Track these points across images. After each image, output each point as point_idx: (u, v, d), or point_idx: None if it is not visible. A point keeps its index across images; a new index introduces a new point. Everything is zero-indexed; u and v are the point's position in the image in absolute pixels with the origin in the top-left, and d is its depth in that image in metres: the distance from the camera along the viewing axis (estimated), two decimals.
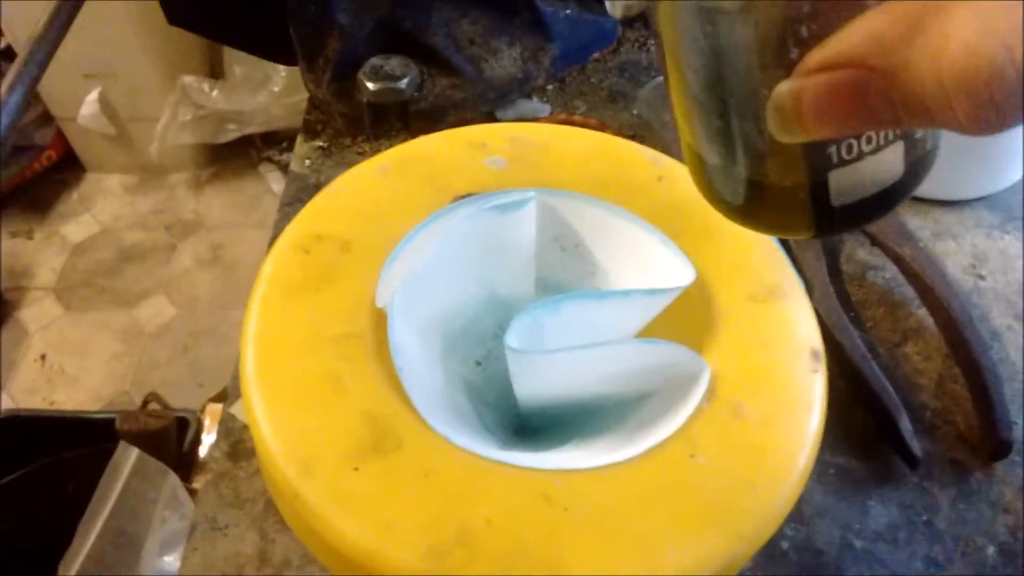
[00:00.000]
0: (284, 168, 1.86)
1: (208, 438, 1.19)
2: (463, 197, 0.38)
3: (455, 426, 0.32)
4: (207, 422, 1.22)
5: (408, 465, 0.30)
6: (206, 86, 1.71)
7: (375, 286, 0.35)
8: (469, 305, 0.39)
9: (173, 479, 0.96)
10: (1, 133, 0.47)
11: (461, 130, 0.41)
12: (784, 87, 0.20)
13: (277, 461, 0.30)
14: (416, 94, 0.55)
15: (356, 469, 0.30)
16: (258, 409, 0.31)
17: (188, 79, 1.70)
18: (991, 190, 0.53)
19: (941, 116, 0.17)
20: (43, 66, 0.51)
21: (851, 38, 0.19)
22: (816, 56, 0.19)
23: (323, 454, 0.30)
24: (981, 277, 0.49)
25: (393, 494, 0.29)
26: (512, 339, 0.31)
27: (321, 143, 0.57)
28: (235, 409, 0.44)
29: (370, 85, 0.54)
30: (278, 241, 0.36)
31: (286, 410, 0.31)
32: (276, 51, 0.60)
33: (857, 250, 0.50)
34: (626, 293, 0.34)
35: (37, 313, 1.67)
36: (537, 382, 0.34)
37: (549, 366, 0.33)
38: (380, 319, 0.34)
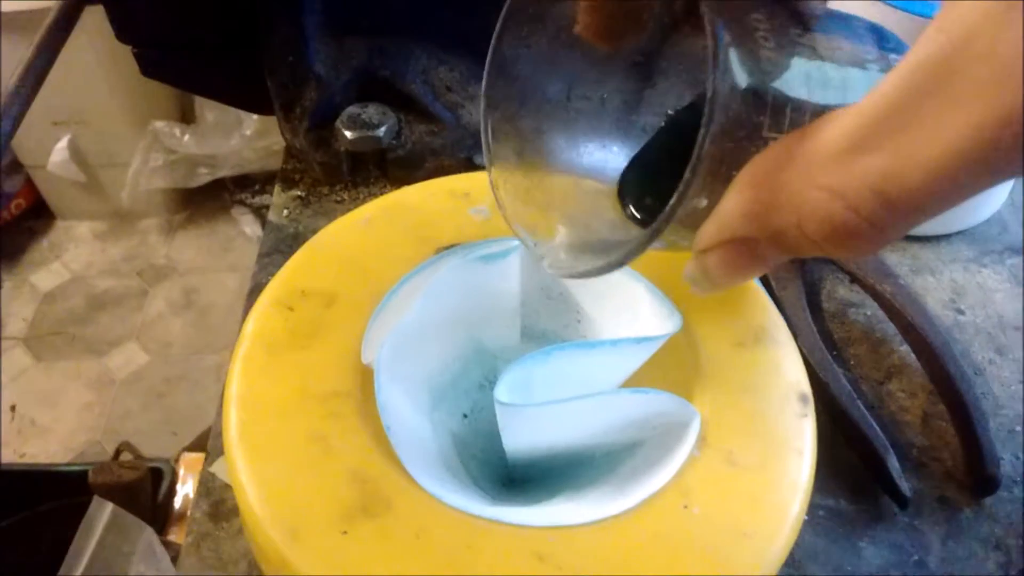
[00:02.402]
0: (257, 211, 1.85)
1: (183, 488, 1.17)
2: (447, 248, 0.38)
3: (445, 483, 0.32)
4: (182, 472, 1.20)
5: (398, 527, 0.29)
6: (177, 131, 1.71)
7: (361, 342, 0.35)
8: (456, 357, 0.38)
9: (148, 533, 0.94)
10: None
11: (444, 180, 0.41)
12: (690, 265, 0.24)
13: (264, 527, 0.29)
14: (394, 142, 0.55)
15: (345, 533, 0.29)
16: (243, 473, 0.31)
17: (159, 124, 1.70)
18: (968, 224, 0.54)
19: (825, 256, 0.20)
20: (17, 122, 0.51)
21: (726, 220, 0.22)
22: (704, 239, 0.23)
23: (311, 518, 0.29)
24: (961, 312, 0.50)
25: (384, 558, 0.29)
26: (502, 393, 0.31)
27: (299, 192, 0.57)
28: (216, 468, 0.43)
29: (348, 134, 0.54)
30: (261, 298, 0.36)
31: (272, 473, 0.31)
32: (251, 101, 0.60)
33: (837, 288, 0.50)
34: (615, 342, 0.33)
35: (7, 364, 1.64)
36: (527, 435, 0.33)
37: (539, 419, 0.32)
38: (367, 376, 0.34)
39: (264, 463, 0.31)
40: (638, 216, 0.32)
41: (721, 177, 0.22)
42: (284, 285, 0.37)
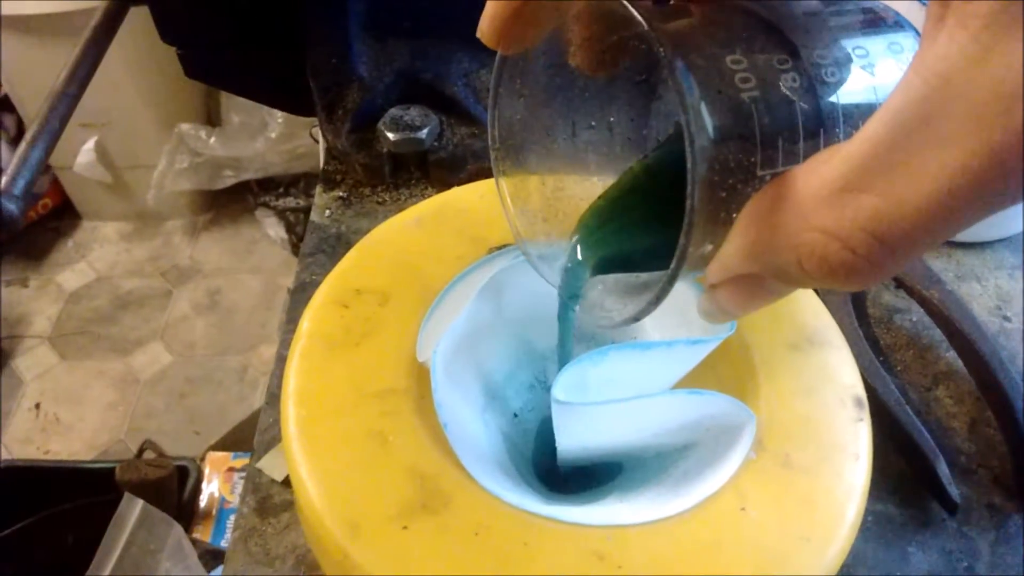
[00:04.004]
0: (280, 213, 1.86)
1: (208, 487, 1.18)
2: (498, 249, 0.38)
3: (500, 481, 0.32)
4: (207, 471, 1.21)
5: (458, 523, 0.30)
6: (203, 133, 1.72)
7: (415, 339, 0.35)
8: (507, 357, 0.38)
9: (177, 530, 0.95)
10: (24, 188, 0.46)
11: (493, 181, 0.41)
12: (703, 298, 0.25)
13: (325, 521, 0.29)
14: (436, 144, 0.55)
15: (405, 528, 0.29)
16: (303, 468, 0.31)
17: (185, 127, 1.71)
18: (1012, 231, 0.54)
19: (828, 288, 0.20)
20: (64, 121, 0.51)
21: (729, 261, 0.23)
22: (712, 277, 0.24)
23: (371, 513, 0.30)
24: (1007, 319, 0.49)
25: (444, 553, 0.29)
26: (559, 391, 0.31)
27: (341, 193, 0.57)
28: (263, 464, 0.44)
29: (390, 135, 0.54)
30: (316, 296, 0.36)
31: (332, 469, 0.31)
32: (293, 102, 0.60)
33: (883, 293, 0.50)
34: (670, 343, 0.33)
35: (32, 362, 1.66)
36: (581, 434, 0.34)
37: (595, 418, 0.32)
38: (421, 373, 0.34)
39: (324, 459, 0.31)
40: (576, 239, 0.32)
41: (721, 221, 0.22)
42: (339, 283, 0.37)
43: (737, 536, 0.30)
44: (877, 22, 0.25)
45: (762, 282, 0.23)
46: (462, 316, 0.35)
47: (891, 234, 0.18)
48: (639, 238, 0.31)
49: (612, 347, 0.33)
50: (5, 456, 1.47)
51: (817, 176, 0.19)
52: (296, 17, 0.55)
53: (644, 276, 0.30)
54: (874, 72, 0.24)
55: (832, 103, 0.23)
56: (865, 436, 0.33)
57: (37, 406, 1.58)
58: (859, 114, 0.23)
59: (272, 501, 0.43)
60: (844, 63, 0.23)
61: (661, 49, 0.21)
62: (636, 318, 0.26)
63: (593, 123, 0.32)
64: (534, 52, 0.29)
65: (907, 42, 0.25)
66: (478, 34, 0.26)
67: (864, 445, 0.33)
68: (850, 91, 0.23)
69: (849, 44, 0.24)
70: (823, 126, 0.23)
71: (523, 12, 0.25)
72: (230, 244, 1.89)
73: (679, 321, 0.37)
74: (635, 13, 0.21)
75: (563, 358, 0.35)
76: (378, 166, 0.56)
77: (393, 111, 0.55)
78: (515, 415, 0.39)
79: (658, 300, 0.24)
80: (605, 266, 0.31)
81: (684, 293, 0.37)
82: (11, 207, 0.45)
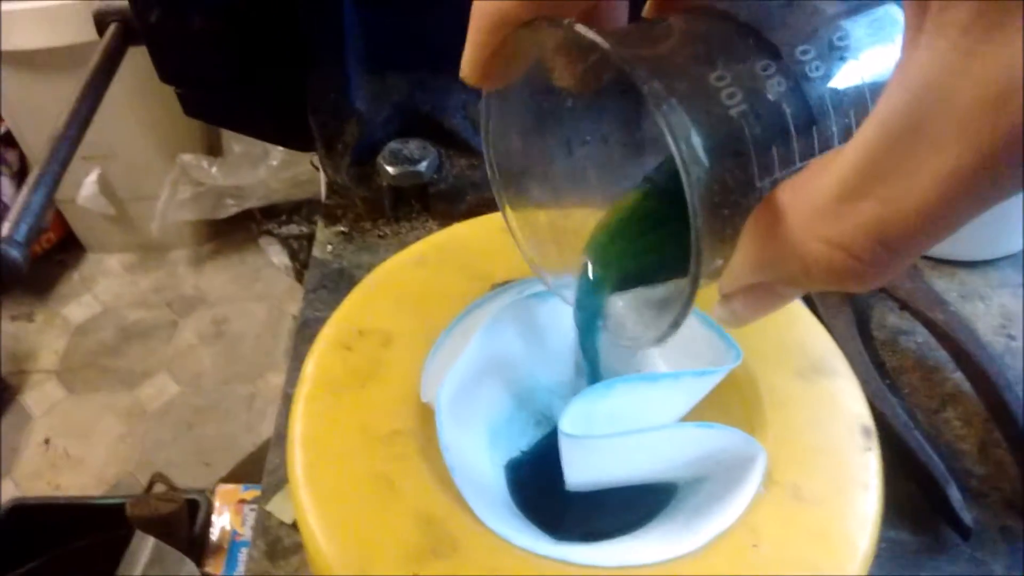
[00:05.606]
0: (284, 241, 1.86)
1: (219, 520, 1.17)
2: (501, 285, 0.38)
3: (509, 523, 0.32)
4: (217, 504, 1.20)
5: (468, 568, 0.29)
6: (205, 163, 1.73)
7: (419, 380, 0.35)
8: (512, 394, 0.38)
9: (189, 566, 0.95)
10: (27, 234, 0.47)
11: (495, 216, 0.41)
12: (718, 306, 0.26)
13: (333, 568, 0.29)
14: (435, 176, 0.56)
15: (415, 575, 0.29)
16: (310, 514, 0.31)
17: (187, 157, 1.72)
18: (1015, 249, 0.54)
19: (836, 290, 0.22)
20: (66, 163, 0.52)
21: (739, 273, 0.23)
22: (724, 287, 0.25)
23: (380, 559, 0.30)
24: (1012, 337, 0.49)
25: None
26: (567, 424, 0.31)
27: (342, 228, 0.57)
28: (272, 506, 0.43)
29: (390, 169, 0.54)
30: (319, 338, 0.36)
31: (339, 514, 0.31)
32: (294, 138, 0.60)
33: (887, 315, 0.50)
34: (676, 375, 0.33)
35: (40, 397, 1.66)
36: (590, 468, 0.33)
37: (603, 451, 0.32)
38: (426, 414, 0.34)
39: (331, 504, 0.31)
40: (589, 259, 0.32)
41: (728, 236, 0.22)
42: (341, 325, 0.37)
43: (750, 574, 0.30)
44: (856, 2, 0.24)
45: (773, 288, 0.23)
46: (466, 354, 0.35)
47: (893, 238, 0.18)
48: (651, 251, 0.31)
49: (619, 380, 0.33)
50: (16, 492, 1.47)
51: (814, 186, 0.20)
52: (294, 53, 0.55)
53: (661, 290, 0.30)
54: (859, 57, 0.23)
55: (820, 97, 0.22)
56: (874, 465, 0.33)
57: (46, 441, 1.58)
58: (849, 103, 0.23)
59: (282, 544, 0.42)
60: (827, 54, 0.23)
61: (644, 87, 0.21)
62: (659, 340, 0.26)
63: (588, 138, 0.32)
64: (519, 83, 0.29)
65: (888, 16, 0.24)
66: (460, 76, 0.26)
67: (874, 475, 0.33)
68: (837, 81, 0.23)
69: (830, 32, 0.23)
70: (814, 122, 0.22)
71: (501, 50, 0.25)
72: (234, 272, 1.90)
73: (683, 353, 0.37)
74: (612, 51, 0.21)
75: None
76: (378, 200, 0.56)
77: (392, 144, 0.56)
78: (521, 452, 0.38)
79: (677, 323, 0.25)
80: (621, 283, 0.31)
81: (688, 324, 0.37)
82: (14, 254, 0.46)
